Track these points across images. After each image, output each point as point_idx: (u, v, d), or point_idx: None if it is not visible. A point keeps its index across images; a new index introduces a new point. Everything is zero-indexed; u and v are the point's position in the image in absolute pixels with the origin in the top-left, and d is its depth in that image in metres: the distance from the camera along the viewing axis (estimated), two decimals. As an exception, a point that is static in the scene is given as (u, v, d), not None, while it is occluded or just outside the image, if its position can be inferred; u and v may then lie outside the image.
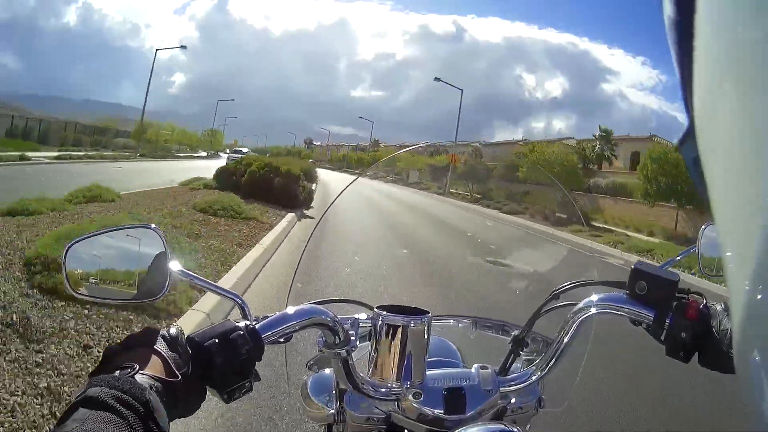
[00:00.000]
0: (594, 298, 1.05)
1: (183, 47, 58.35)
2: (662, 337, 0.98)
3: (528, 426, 1.17)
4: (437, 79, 46.91)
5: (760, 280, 0.31)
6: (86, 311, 4.29)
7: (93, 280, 0.94)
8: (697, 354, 0.96)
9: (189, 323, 4.39)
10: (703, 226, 1.24)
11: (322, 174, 22.29)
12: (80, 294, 0.94)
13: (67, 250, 0.93)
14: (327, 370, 1.17)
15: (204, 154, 69.38)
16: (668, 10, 0.36)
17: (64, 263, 0.93)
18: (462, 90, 43.87)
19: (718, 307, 0.96)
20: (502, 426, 0.95)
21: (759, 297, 0.31)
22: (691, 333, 0.94)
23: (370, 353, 1.06)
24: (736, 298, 0.33)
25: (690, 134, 0.37)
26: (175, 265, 0.93)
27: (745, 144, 0.31)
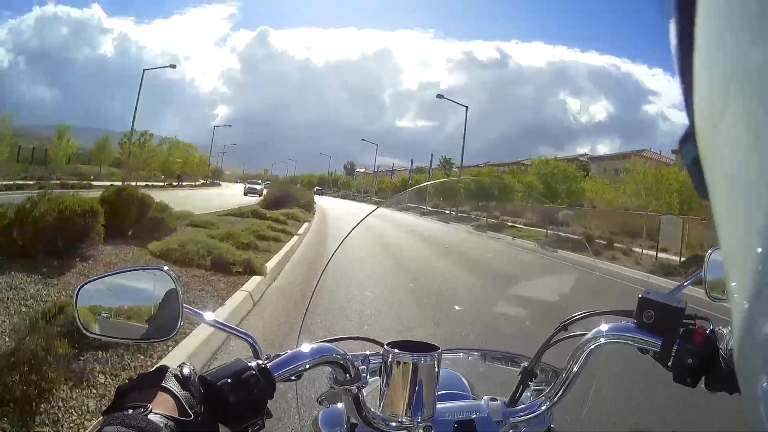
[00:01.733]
0: (602, 328, 1.06)
1: (173, 66, 57.68)
2: (669, 364, 0.98)
3: None
4: (440, 96, 47.31)
5: (762, 297, 0.30)
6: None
7: (105, 320, 0.95)
8: (703, 379, 0.96)
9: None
10: (709, 251, 1.24)
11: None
12: (92, 333, 0.95)
13: (78, 290, 0.94)
14: (338, 405, 1.17)
15: (201, 181, 69.34)
16: (669, 12, 0.36)
17: (76, 303, 0.94)
18: (467, 107, 43.92)
19: (725, 331, 0.96)
20: None
21: (761, 315, 0.30)
22: (697, 358, 0.95)
23: (381, 388, 1.06)
24: (738, 317, 0.32)
25: (690, 135, 0.37)
26: (186, 306, 0.94)
27: (747, 152, 0.31)
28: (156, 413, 0.70)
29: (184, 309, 0.94)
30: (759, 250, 0.30)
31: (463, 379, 1.27)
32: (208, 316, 0.96)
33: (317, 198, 47.61)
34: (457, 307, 2.08)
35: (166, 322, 0.94)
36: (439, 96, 47.82)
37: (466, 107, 43.77)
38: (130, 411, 0.69)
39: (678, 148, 0.40)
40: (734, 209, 0.33)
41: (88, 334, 0.95)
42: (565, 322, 1.13)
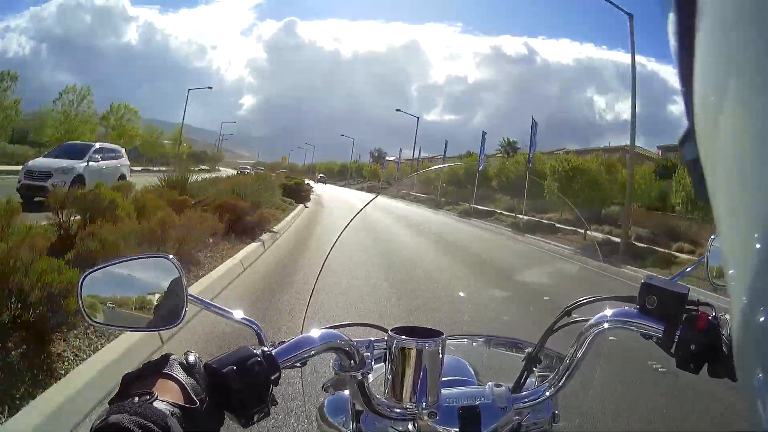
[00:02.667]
0: (606, 313, 1.06)
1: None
2: (672, 350, 0.98)
3: None
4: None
5: (760, 288, 0.31)
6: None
7: (109, 309, 0.95)
8: (707, 365, 0.96)
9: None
10: (712, 237, 1.24)
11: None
12: (96, 322, 0.95)
13: (83, 280, 0.94)
14: (343, 392, 1.17)
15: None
16: (669, 10, 0.36)
17: (80, 292, 0.94)
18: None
19: (728, 317, 0.97)
20: None
21: (758, 306, 0.31)
22: (700, 344, 0.95)
23: (385, 375, 1.06)
24: (736, 307, 0.33)
25: (690, 135, 0.37)
26: (191, 294, 0.94)
27: (746, 150, 0.31)
28: (161, 401, 0.70)
29: (189, 297, 0.94)
30: (758, 246, 0.30)
31: (467, 365, 1.27)
32: (213, 304, 0.96)
33: (319, 187, 46.75)
34: (461, 294, 2.08)
35: (170, 311, 0.94)
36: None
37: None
38: (136, 399, 0.69)
39: (678, 148, 0.40)
40: (734, 208, 0.34)
41: (92, 323, 0.95)
42: (568, 307, 1.13)
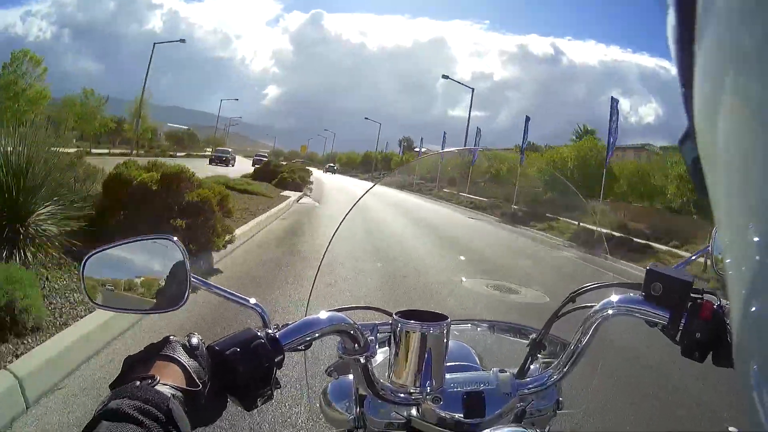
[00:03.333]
0: (610, 300, 1.05)
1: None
2: (677, 338, 0.98)
3: (547, 428, 1.17)
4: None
5: (759, 286, 0.31)
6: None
7: (112, 291, 0.95)
8: (711, 353, 0.96)
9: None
10: (715, 228, 1.24)
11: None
12: (99, 304, 0.95)
13: (86, 261, 0.94)
14: (347, 376, 1.17)
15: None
16: (668, 8, 0.36)
17: (83, 273, 0.94)
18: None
19: None
20: (522, 428, 0.96)
21: (755, 303, 0.31)
22: (705, 333, 0.94)
23: (389, 359, 1.06)
24: (734, 304, 0.33)
25: (690, 135, 0.37)
26: (194, 276, 0.94)
27: (746, 149, 0.31)
28: (164, 384, 0.70)
29: (192, 279, 0.93)
30: (757, 245, 0.30)
31: (471, 350, 1.27)
32: (216, 286, 0.96)
33: (325, 176, 45.29)
34: (463, 279, 2.08)
35: (173, 293, 0.93)
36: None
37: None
38: (138, 383, 0.69)
39: (678, 148, 0.40)
40: (733, 208, 0.33)
41: (94, 305, 0.95)
42: (573, 294, 1.13)
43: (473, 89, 42.55)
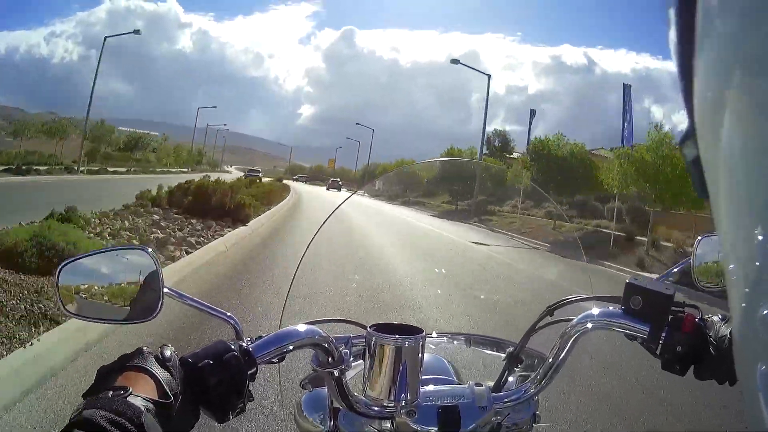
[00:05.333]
0: (589, 313, 1.05)
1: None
2: (658, 351, 0.98)
3: None
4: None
5: (761, 286, 0.30)
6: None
7: (85, 300, 0.94)
8: (693, 367, 0.96)
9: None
10: (699, 238, 1.24)
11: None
12: (72, 313, 0.94)
13: (60, 270, 0.93)
14: (321, 389, 1.16)
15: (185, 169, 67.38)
16: (669, 10, 0.36)
17: (57, 282, 0.93)
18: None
19: (715, 319, 0.97)
20: None
21: (760, 303, 0.30)
22: (686, 346, 0.95)
23: (364, 372, 1.05)
24: (736, 305, 0.33)
25: (690, 135, 0.37)
26: (167, 287, 0.93)
27: (746, 149, 0.31)
28: (136, 395, 0.69)
29: (165, 290, 0.92)
30: (758, 245, 0.30)
31: (447, 363, 1.26)
32: (190, 297, 0.95)
33: (325, 195, 42.18)
34: (438, 291, 2.08)
35: (147, 304, 0.93)
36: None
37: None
38: (110, 393, 0.68)
39: (678, 148, 0.40)
40: (734, 208, 0.33)
41: (68, 314, 0.94)
42: (550, 307, 1.13)
43: (489, 75, 39.87)
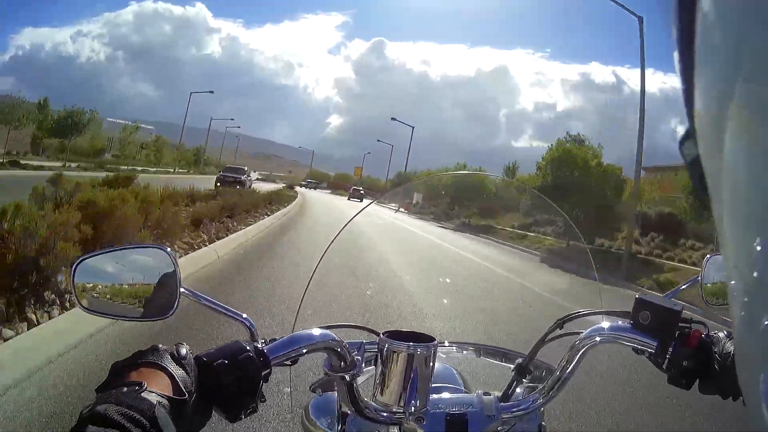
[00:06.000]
0: (598, 327, 1.06)
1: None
2: (664, 366, 0.99)
3: None
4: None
5: (763, 293, 0.31)
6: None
7: (101, 297, 0.95)
8: (698, 381, 0.97)
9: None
10: (707, 256, 1.25)
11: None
12: (88, 309, 0.95)
13: (76, 265, 0.94)
14: (330, 393, 1.17)
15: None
16: (670, 13, 0.36)
17: (73, 277, 0.94)
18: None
19: (720, 335, 0.98)
20: None
21: (761, 313, 0.30)
22: (692, 361, 0.96)
23: (375, 378, 1.06)
24: (738, 315, 0.33)
25: (690, 135, 0.37)
26: (183, 286, 0.94)
27: (747, 150, 0.31)
28: (150, 391, 0.70)
29: (182, 290, 0.93)
30: (759, 248, 0.30)
31: (456, 373, 1.27)
32: (206, 297, 0.96)
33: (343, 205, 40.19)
34: (445, 301, 2.08)
35: (163, 302, 0.94)
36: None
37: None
38: (124, 389, 0.69)
39: (678, 149, 0.40)
40: (735, 209, 0.33)
41: (83, 308, 0.95)
42: (560, 320, 1.13)
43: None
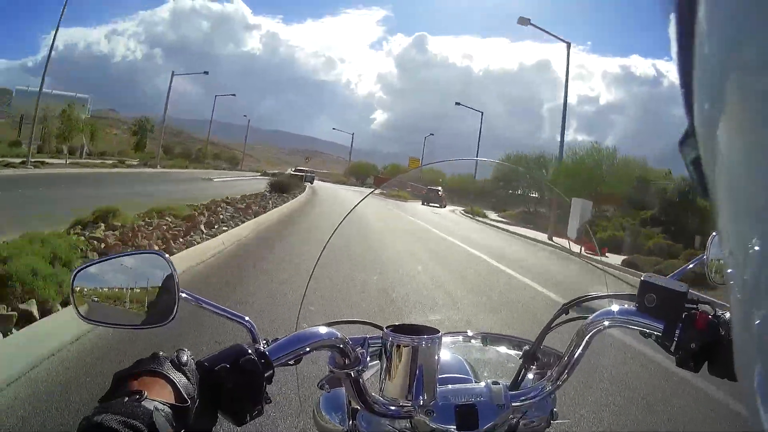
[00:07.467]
0: (604, 311, 1.05)
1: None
2: (672, 348, 0.98)
3: None
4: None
5: (760, 287, 0.31)
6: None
7: (102, 305, 0.95)
8: (707, 363, 0.96)
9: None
10: (712, 234, 1.24)
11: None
12: (87, 319, 0.94)
13: (75, 275, 0.94)
14: (339, 389, 1.17)
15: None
16: (669, 8, 0.36)
17: (73, 287, 0.94)
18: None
19: (728, 315, 0.96)
20: None
21: (758, 305, 0.31)
22: (700, 343, 0.94)
23: (381, 372, 1.05)
24: (736, 306, 0.33)
25: (690, 135, 0.37)
26: (183, 290, 0.93)
27: (746, 149, 0.31)
28: (152, 400, 0.70)
29: (181, 294, 0.93)
30: (758, 246, 0.30)
31: (464, 362, 1.26)
32: (206, 300, 0.96)
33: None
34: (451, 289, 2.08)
35: (163, 308, 0.93)
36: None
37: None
38: (125, 399, 0.69)
39: (678, 148, 0.40)
40: (734, 208, 0.33)
41: (83, 320, 0.94)
42: (566, 305, 1.13)
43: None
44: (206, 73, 61.41)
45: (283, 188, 26.44)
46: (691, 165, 0.38)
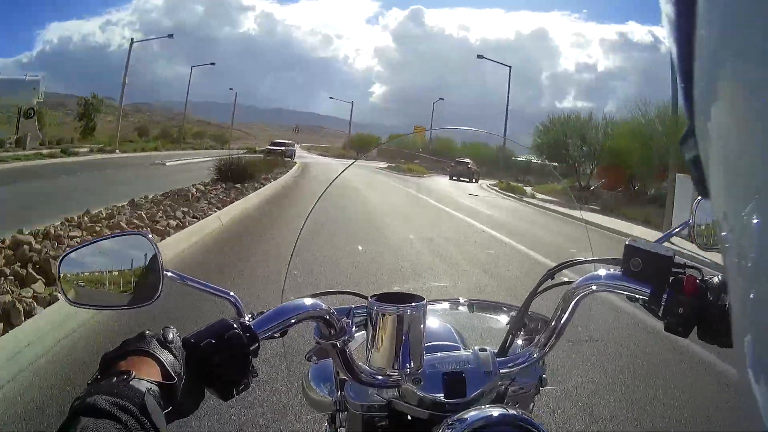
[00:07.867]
0: (589, 275, 1.06)
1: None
2: (660, 313, 0.98)
3: (531, 406, 1.17)
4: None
5: (758, 281, 0.30)
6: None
7: (88, 289, 0.95)
8: (696, 328, 0.96)
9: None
10: (697, 199, 1.24)
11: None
12: (75, 302, 0.95)
13: (61, 260, 0.94)
14: (327, 360, 1.18)
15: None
16: (667, 8, 0.36)
17: (59, 273, 0.94)
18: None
19: (715, 280, 0.97)
20: (503, 408, 0.95)
21: (756, 295, 0.31)
22: (689, 308, 0.95)
23: (367, 342, 1.06)
24: (736, 298, 0.33)
25: (690, 134, 0.37)
26: (167, 269, 0.93)
27: (747, 148, 0.31)
28: (140, 379, 0.71)
29: (165, 273, 0.93)
30: (759, 236, 0.30)
31: (452, 329, 1.27)
32: (190, 278, 0.95)
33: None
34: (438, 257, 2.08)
35: (148, 288, 0.94)
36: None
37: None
38: (114, 379, 0.70)
39: (678, 147, 0.40)
40: (734, 207, 0.33)
41: (69, 302, 0.95)
42: (551, 270, 1.13)
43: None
44: (171, 36, 60.03)
45: (238, 176, 16.73)
46: (691, 163, 0.38)
